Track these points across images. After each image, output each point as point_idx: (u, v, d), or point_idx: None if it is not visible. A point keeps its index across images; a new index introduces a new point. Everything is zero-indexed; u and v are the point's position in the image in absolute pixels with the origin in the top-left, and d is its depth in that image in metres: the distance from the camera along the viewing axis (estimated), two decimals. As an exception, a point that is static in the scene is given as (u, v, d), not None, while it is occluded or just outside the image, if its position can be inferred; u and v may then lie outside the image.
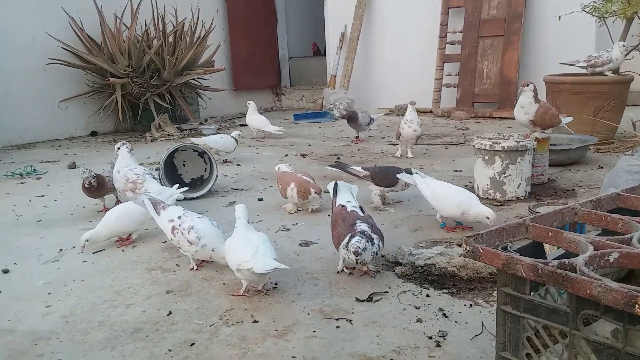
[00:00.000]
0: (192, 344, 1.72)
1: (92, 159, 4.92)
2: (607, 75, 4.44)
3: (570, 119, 3.51)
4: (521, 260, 1.20)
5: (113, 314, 1.94)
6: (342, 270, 2.21)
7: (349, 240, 2.05)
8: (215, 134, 5.25)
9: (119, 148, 3.10)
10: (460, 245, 2.36)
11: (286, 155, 4.69)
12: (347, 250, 2.04)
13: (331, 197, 2.42)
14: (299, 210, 3.07)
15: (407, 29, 7.17)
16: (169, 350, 1.69)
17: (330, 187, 2.47)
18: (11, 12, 5.71)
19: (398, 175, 2.97)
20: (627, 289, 1.02)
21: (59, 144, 5.89)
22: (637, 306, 1.00)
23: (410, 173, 2.87)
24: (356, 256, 2.00)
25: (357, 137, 5.27)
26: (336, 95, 7.15)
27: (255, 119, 5.62)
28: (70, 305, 2.03)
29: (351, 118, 5.12)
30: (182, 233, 2.25)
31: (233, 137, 4.46)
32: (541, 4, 6.15)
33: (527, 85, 3.27)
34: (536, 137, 3.26)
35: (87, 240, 2.49)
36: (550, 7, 5.85)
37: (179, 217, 2.31)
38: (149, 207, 2.41)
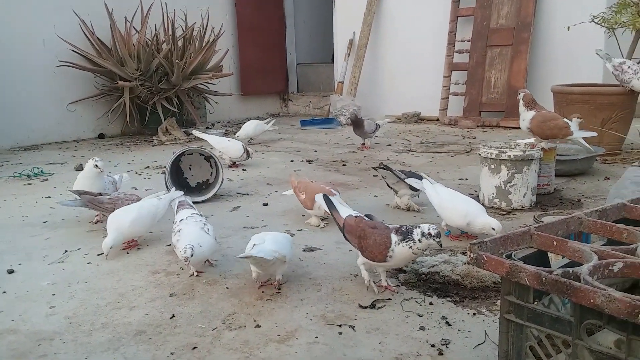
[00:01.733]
0: (195, 348, 1.72)
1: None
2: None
3: (590, 134, 3.38)
4: (525, 269, 1.19)
5: (116, 316, 1.95)
6: (369, 284, 2.07)
7: (409, 232, 1.93)
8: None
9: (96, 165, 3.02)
10: (464, 254, 2.35)
11: (292, 161, 4.70)
12: (421, 239, 1.90)
13: (327, 210, 2.27)
14: (326, 225, 2.89)
15: (415, 37, 7.18)
16: (171, 353, 1.69)
17: (321, 200, 2.33)
18: (23, 14, 5.76)
19: (407, 180, 2.97)
20: (631, 298, 1.01)
21: (67, 145, 5.93)
22: (640, 317, 0.99)
23: (420, 178, 2.86)
24: (439, 237, 1.91)
25: (363, 144, 5.28)
26: (343, 102, 7.16)
27: (246, 131, 5.47)
28: (74, 306, 2.04)
29: (357, 123, 5.14)
30: (173, 236, 2.29)
31: (244, 147, 4.37)
32: (550, 14, 6.15)
33: (519, 93, 3.32)
34: (542, 147, 3.25)
35: (112, 247, 2.45)
36: (559, 17, 5.85)
37: (181, 221, 2.34)
38: (174, 207, 2.49)
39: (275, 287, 2.11)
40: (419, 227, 1.94)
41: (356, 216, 2.14)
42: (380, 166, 3.18)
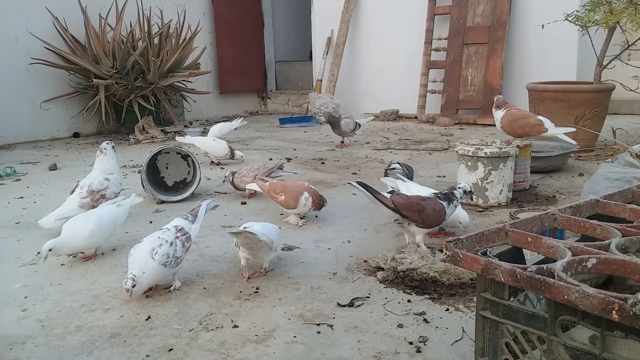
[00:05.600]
0: (171, 350, 1.70)
1: (74, 160, 4.87)
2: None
3: (570, 129, 3.35)
4: (500, 266, 1.20)
5: (90, 319, 1.91)
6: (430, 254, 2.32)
7: (450, 194, 2.37)
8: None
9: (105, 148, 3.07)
10: (441, 251, 2.36)
11: (271, 159, 4.67)
12: (463, 196, 2.42)
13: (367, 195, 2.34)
14: (305, 223, 2.90)
15: (393, 34, 7.21)
16: (147, 355, 1.67)
17: (358, 187, 2.38)
18: (-7, 11, 5.63)
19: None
20: (604, 294, 1.02)
21: (41, 145, 5.82)
22: (614, 312, 1.00)
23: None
24: (473, 192, 2.57)
25: (342, 142, 5.28)
26: (322, 99, 7.15)
27: (213, 133, 5.20)
28: (46, 309, 1.99)
29: (333, 123, 5.15)
30: None
31: (229, 147, 4.35)
32: (525, 13, 6.22)
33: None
34: (517, 144, 3.28)
35: (51, 250, 2.24)
36: (534, 15, 5.92)
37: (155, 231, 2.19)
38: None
39: (262, 274, 2.20)
40: (456, 189, 2.40)
41: (397, 193, 2.39)
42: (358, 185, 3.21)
